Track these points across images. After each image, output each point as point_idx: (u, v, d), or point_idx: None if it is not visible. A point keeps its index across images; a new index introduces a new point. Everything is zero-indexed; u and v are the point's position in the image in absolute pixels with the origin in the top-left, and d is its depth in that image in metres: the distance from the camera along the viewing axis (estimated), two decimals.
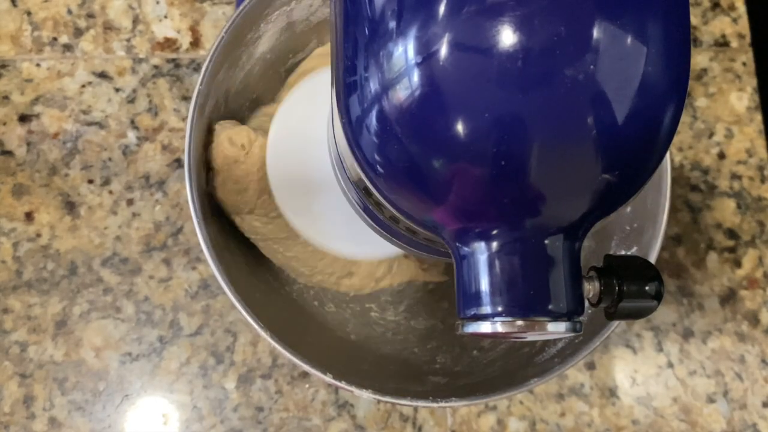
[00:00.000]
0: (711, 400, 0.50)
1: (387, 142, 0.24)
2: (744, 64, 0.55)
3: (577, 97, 0.22)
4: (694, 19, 0.55)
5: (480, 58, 0.22)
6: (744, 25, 0.55)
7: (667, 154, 0.38)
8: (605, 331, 0.39)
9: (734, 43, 0.55)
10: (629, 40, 0.22)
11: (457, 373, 0.44)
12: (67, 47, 0.52)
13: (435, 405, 0.38)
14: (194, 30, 0.53)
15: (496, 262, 0.24)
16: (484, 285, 0.24)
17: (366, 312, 0.49)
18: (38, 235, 0.49)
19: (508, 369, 0.43)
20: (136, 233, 0.50)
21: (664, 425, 0.49)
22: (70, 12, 0.53)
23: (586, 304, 0.25)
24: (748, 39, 0.55)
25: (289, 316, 0.46)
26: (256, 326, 0.37)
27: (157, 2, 0.53)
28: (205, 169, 0.42)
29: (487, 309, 0.24)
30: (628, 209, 0.42)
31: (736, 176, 0.53)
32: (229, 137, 0.42)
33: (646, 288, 0.26)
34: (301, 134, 0.43)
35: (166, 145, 0.51)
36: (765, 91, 0.54)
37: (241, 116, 0.46)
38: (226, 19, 0.52)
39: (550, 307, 0.24)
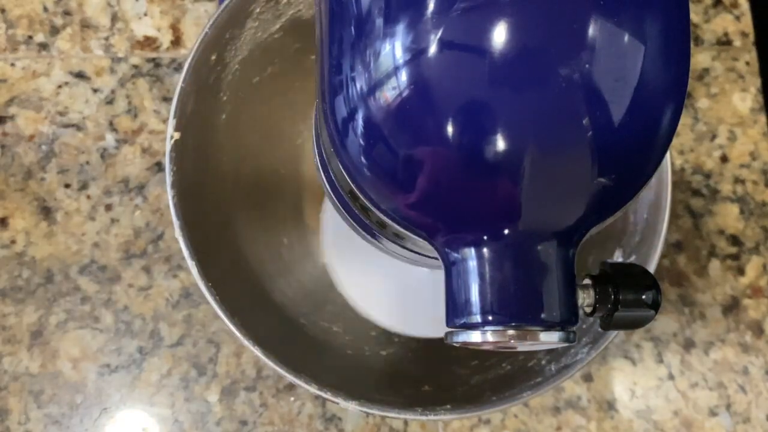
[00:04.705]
0: (713, 413, 0.49)
1: (373, 143, 0.23)
2: (747, 63, 0.54)
3: (572, 97, 0.21)
4: (695, 17, 0.55)
5: (471, 56, 0.21)
6: (747, 23, 0.55)
7: (668, 157, 0.39)
8: (603, 342, 0.38)
9: (737, 42, 0.55)
10: (627, 37, 0.21)
11: (449, 385, 0.44)
12: (43, 46, 0.52)
13: (426, 418, 0.38)
14: (175, 28, 0.53)
15: (487, 269, 0.24)
16: (474, 292, 0.24)
17: (357, 325, 0.49)
18: (13, 242, 0.49)
19: (501, 381, 0.42)
20: (115, 240, 0.49)
21: None
22: (46, 9, 0.53)
23: (581, 313, 0.25)
24: (751, 37, 0.55)
25: (275, 326, 0.46)
26: (239, 336, 0.37)
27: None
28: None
29: (476, 318, 0.24)
30: (632, 216, 0.42)
31: (739, 180, 0.53)
32: None
33: (643, 297, 0.25)
34: None
35: (146, 148, 0.51)
36: None
37: (224, 116, 0.45)
38: (208, 17, 0.52)
39: (542, 315, 0.23)
